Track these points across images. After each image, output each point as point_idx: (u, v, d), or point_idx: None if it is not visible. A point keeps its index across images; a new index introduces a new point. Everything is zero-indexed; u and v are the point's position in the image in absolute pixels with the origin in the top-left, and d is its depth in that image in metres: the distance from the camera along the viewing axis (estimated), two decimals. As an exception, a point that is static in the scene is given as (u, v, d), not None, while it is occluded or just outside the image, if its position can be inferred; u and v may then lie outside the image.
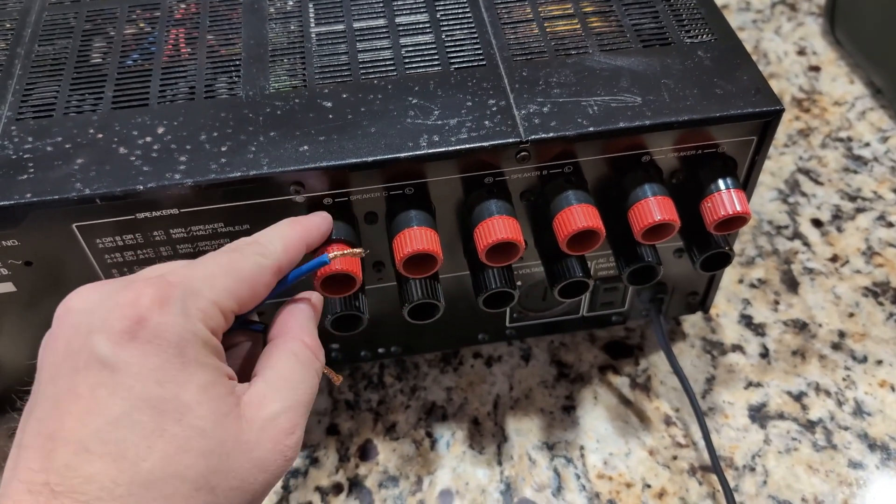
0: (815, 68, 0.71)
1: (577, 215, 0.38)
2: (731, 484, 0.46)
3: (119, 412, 0.24)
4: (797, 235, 0.58)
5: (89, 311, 0.27)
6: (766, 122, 0.39)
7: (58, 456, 0.24)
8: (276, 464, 0.27)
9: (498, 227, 0.38)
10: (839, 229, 0.59)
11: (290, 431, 0.28)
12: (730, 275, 0.56)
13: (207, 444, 0.25)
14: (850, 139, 0.65)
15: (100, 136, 0.38)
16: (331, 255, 0.34)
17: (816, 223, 0.59)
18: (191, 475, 0.25)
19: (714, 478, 0.46)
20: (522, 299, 0.48)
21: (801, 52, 0.72)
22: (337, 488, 0.46)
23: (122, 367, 0.25)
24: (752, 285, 0.56)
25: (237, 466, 0.26)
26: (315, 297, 0.34)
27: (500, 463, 0.47)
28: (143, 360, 0.25)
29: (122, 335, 0.25)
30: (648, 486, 0.46)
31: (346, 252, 0.35)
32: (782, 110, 0.39)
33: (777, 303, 0.55)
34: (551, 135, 0.37)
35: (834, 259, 0.57)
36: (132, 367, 0.25)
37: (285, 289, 0.33)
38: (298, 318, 0.32)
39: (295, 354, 0.30)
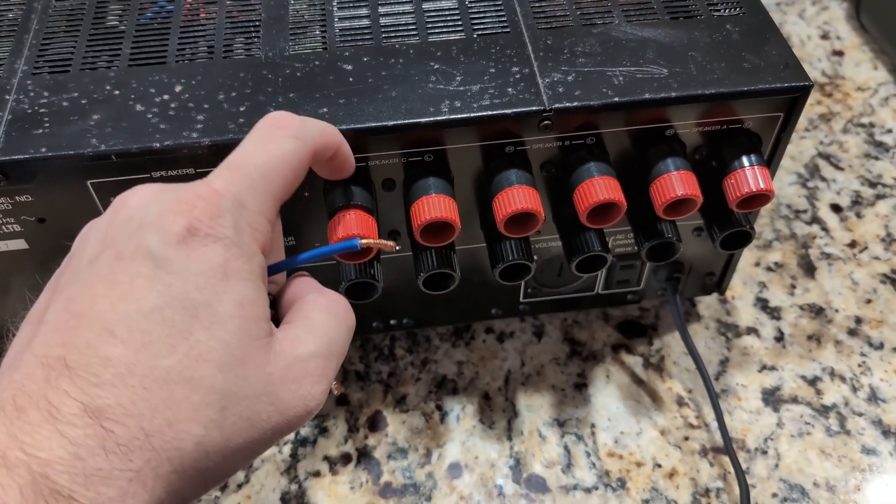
0: (839, 53, 0.70)
1: (599, 187, 0.38)
2: (743, 466, 0.45)
3: (152, 305, 0.24)
4: (815, 220, 0.58)
5: (144, 206, 0.26)
6: (793, 98, 0.38)
7: (80, 333, 0.23)
8: (294, 409, 0.26)
9: (518, 196, 0.37)
10: (858, 215, 0.58)
11: (318, 380, 0.27)
12: (746, 258, 0.55)
13: (229, 361, 0.24)
14: (872, 125, 0.64)
15: (116, 92, 0.38)
16: (363, 241, 0.32)
17: (836, 208, 0.58)
18: (204, 386, 0.24)
19: (725, 459, 0.46)
20: (537, 274, 0.48)
21: (825, 37, 0.71)
22: (345, 458, 0.46)
23: (165, 264, 0.25)
24: (769, 269, 0.55)
25: (252, 395, 0.25)
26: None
27: (510, 438, 0.47)
28: (188, 264, 0.25)
29: (173, 236, 0.25)
30: (659, 466, 0.46)
31: (378, 241, 0.32)
32: (811, 86, 0.38)
33: (793, 287, 0.54)
34: (575, 104, 0.37)
35: (852, 245, 0.56)
36: (175, 266, 0.25)
37: (311, 262, 0.32)
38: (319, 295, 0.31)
39: (327, 307, 0.29)
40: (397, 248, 0.32)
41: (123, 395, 0.23)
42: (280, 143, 0.29)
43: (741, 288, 0.54)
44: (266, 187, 0.28)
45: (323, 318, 0.28)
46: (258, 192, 0.27)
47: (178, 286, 0.24)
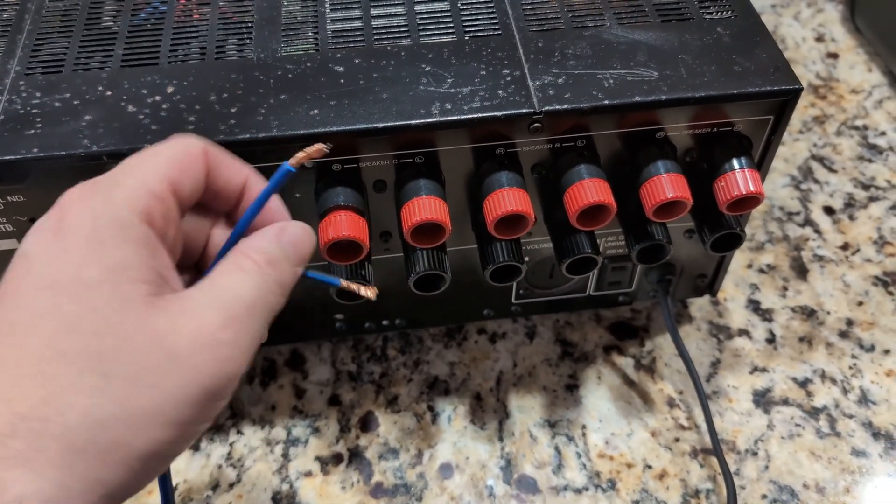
0: (834, 55, 0.70)
1: (589, 189, 0.38)
2: (733, 468, 0.46)
3: (22, 295, 0.24)
4: (808, 222, 0.58)
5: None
6: (783, 101, 0.39)
7: None
8: (202, 364, 0.25)
9: (508, 198, 0.37)
10: (851, 217, 0.58)
11: (221, 326, 0.25)
12: (738, 260, 0.56)
13: (103, 326, 0.24)
14: (865, 127, 0.64)
15: (108, 93, 0.38)
16: (290, 161, 0.30)
17: (828, 210, 0.59)
18: (79, 356, 0.23)
19: (715, 461, 0.46)
20: (529, 275, 0.48)
21: (820, 39, 0.71)
22: (337, 458, 0.46)
23: (32, 256, 0.25)
24: (761, 270, 0.55)
25: (139, 354, 0.24)
26: (294, 226, 0.31)
27: (501, 439, 0.47)
28: (51, 247, 0.25)
29: (45, 232, 0.26)
30: (649, 467, 0.46)
31: (303, 154, 0.30)
32: (801, 89, 0.38)
33: (785, 289, 0.54)
34: (565, 106, 0.37)
35: (845, 247, 0.56)
36: (40, 255, 0.25)
37: (257, 210, 0.30)
38: (256, 238, 0.29)
39: (238, 265, 0.28)
40: (327, 149, 0.30)
41: None
42: (169, 141, 0.29)
43: (733, 290, 0.54)
44: (150, 166, 0.27)
45: (228, 276, 0.27)
46: (139, 169, 0.27)
47: (41, 270, 0.25)
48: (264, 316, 0.28)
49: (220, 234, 0.31)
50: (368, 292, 0.32)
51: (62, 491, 0.22)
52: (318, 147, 0.30)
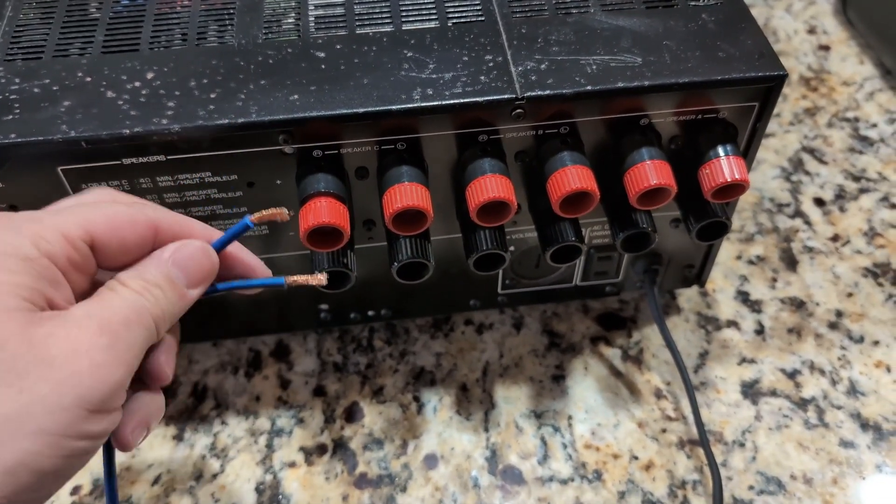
0: (825, 47, 0.70)
1: (572, 176, 0.37)
2: (720, 459, 0.45)
3: None
4: (798, 214, 0.57)
5: None
6: (768, 87, 0.38)
7: None
8: (78, 371, 0.25)
9: (490, 185, 0.37)
10: (841, 209, 0.58)
11: (97, 332, 0.26)
12: (728, 251, 0.55)
13: None
14: (857, 119, 0.64)
15: (88, 79, 0.37)
16: (252, 217, 0.32)
17: (819, 202, 0.58)
18: None
19: (702, 452, 0.45)
20: (515, 265, 0.48)
21: (812, 31, 0.71)
22: (321, 449, 0.46)
23: None
24: (751, 262, 0.55)
25: (9, 358, 0.24)
26: (188, 245, 0.31)
27: (486, 430, 0.47)
28: None
29: None
30: (636, 458, 0.46)
31: (265, 213, 0.32)
32: (785, 76, 0.38)
33: (775, 280, 0.54)
34: (547, 92, 0.37)
35: (835, 238, 0.56)
36: None
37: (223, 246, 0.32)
38: (140, 265, 0.30)
39: (110, 287, 0.29)
40: (289, 215, 0.32)
41: None
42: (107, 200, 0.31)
43: (722, 281, 0.54)
44: (77, 215, 0.29)
45: (103, 295, 0.28)
46: (65, 214, 0.28)
47: None
48: (142, 331, 0.28)
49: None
50: (319, 279, 0.32)
51: None
52: (281, 213, 0.32)
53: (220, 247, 0.32)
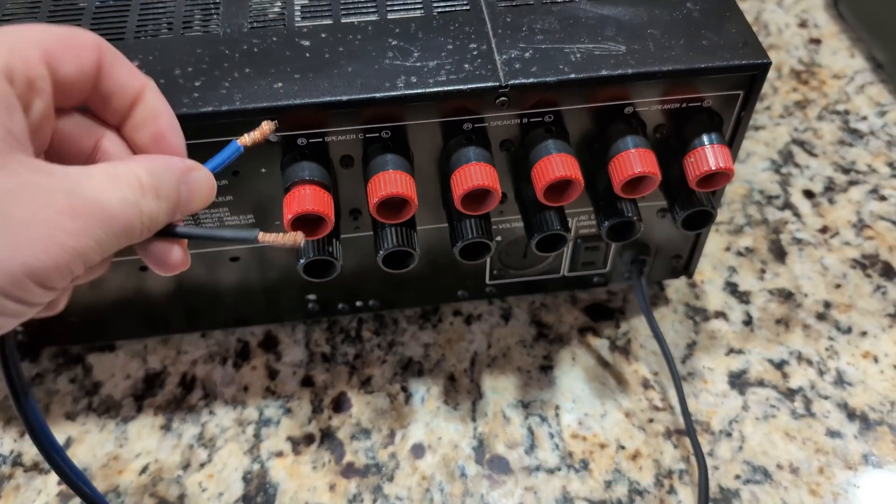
0: (816, 41, 0.70)
1: (556, 164, 0.37)
2: (707, 448, 0.45)
3: None
4: (788, 206, 0.58)
5: None
6: (752, 76, 0.38)
7: None
8: (34, 241, 0.24)
9: (474, 173, 0.37)
10: (831, 201, 0.58)
11: (69, 214, 0.25)
12: (717, 242, 0.55)
13: None
14: (847, 112, 0.64)
15: (73, 67, 0.37)
16: (241, 139, 0.32)
17: (808, 194, 0.58)
18: None
19: (689, 441, 0.45)
20: (503, 255, 0.48)
21: (803, 25, 0.71)
22: (309, 438, 0.46)
23: None
24: (739, 253, 0.55)
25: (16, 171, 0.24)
26: (202, 174, 0.31)
27: (473, 419, 0.47)
28: None
29: None
30: (623, 448, 0.46)
31: (255, 134, 0.32)
32: (769, 64, 0.38)
33: (763, 271, 0.54)
34: (531, 80, 0.37)
35: (824, 230, 0.56)
36: None
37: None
38: (157, 161, 0.29)
39: (118, 174, 0.27)
40: (274, 127, 0.32)
41: None
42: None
43: (711, 272, 0.54)
44: (28, 32, 0.27)
45: (98, 177, 0.27)
46: (15, 31, 0.26)
47: None
48: (118, 234, 0.27)
49: (109, 146, 0.30)
50: (295, 238, 0.31)
51: None
52: (270, 127, 0.32)
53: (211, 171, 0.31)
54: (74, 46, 0.27)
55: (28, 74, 0.25)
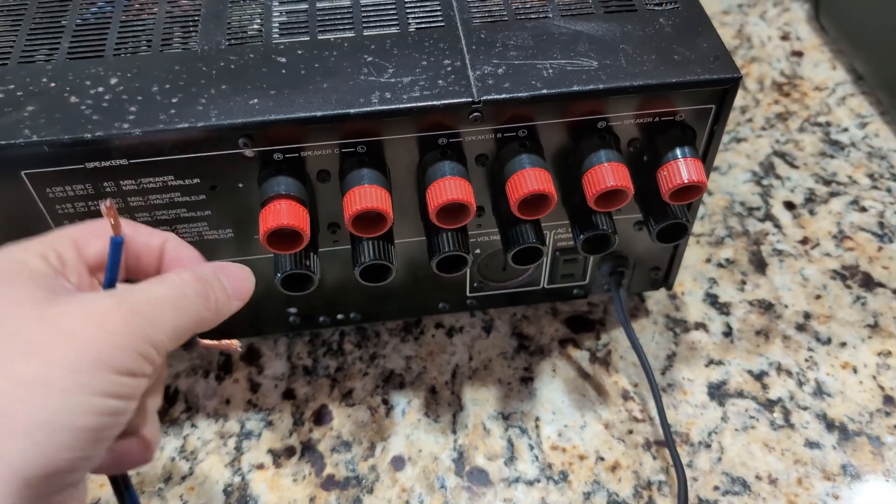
0: (798, 53, 0.70)
1: (529, 178, 0.38)
2: (686, 459, 0.46)
3: None
4: (769, 217, 0.58)
5: None
6: (724, 90, 0.39)
7: None
8: (92, 336, 0.26)
9: (449, 188, 0.38)
10: (811, 212, 0.58)
11: (113, 306, 0.27)
12: (697, 254, 0.56)
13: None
14: (828, 124, 0.64)
15: (52, 85, 0.38)
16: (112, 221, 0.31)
17: (789, 206, 0.59)
18: None
19: (668, 453, 0.46)
20: (482, 268, 0.48)
21: (785, 37, 0.72)
22: (289, 451, 0.46)
23: None
24: (720, 265, 0.55)
25: (25, 332, 0.26)
26: (233, 266, 0.34)
27: (454, 431, 0.47)
28: None
29: None
30: (602, 459, 0.46)
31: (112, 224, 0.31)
32: (740, 78, 0.38)
33: (744, 283, 0.54)
34: (504, 96, 0.37)
35: (804, 241, 0.56)
36: None
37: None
38: (195, 265, 0.32)
39: (160, 277, 0.30)
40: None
41: None
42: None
43: (691, 284, 0.54)
44: (56, 232, 0.31)
45: (140, 284, 0.30)
46: (47, 235, 0.31)
47: None
48: (175, 317, 0.29)
49: None
50: (230, 345, 0.34)
51: None
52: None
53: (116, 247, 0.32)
54: (95, 230, 0.31)
55: (60, 257, 0.29)
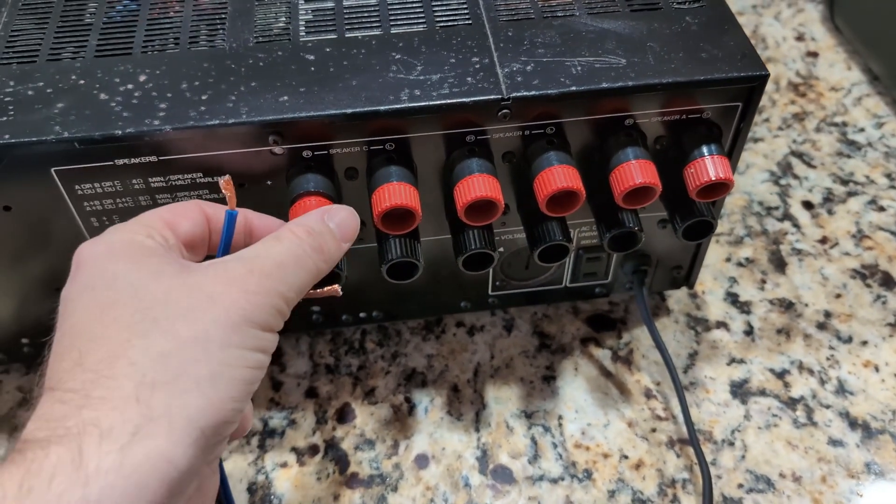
0: (814, 54, 0.70)
1: (558, 175, 0.38)
2: (710, 457, 0.46)
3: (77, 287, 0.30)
4: (787, 217, 0.58)
5: None
6: (751, 87, 0.39)
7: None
8: (236, 298, 0.28)
9: (477, 184, 0.38)
10: (830, 212, 0.58)
11: (246, 273, 0.29)
12: (717, 253, 0.56)
13: (142, 290, 0.28)
14: (845, 124, 0.64)
15: (81, 82, 0.38)
16: (230, 206, 0.33)
17: (807, 205, 0.59)
18: (128, 315, 0.27)
19: (692, 451, 0.46)
20: (505, 267, 0.48)
21: (800, 38, 0.72)
22: (313, 449, 0.46)
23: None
24: (740, 264, 0.55)
25: (177, 299, 0.28)
26: (338, 208, 0.35)
27: (477, 430, 0.47)
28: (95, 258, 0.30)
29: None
30: (626, 457, 0.46)
31: (228, 197, 0.33)
32: (767, 75, 0.38)
33: (764, 282, 0.54)
34: (533, 93, 0.37)
35: (823, 241, 0.57)
36: (86, 263, 0.30)
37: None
38: (301, 216, 0.34)
39: (276, 236, 0.32)
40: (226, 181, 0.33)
41: None
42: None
43: (711, 283, 0.54)
44: (147, 213, 0.33)
45: (258, 245, 0.32)
46: (149, 213, 0.33)
47: (86, 274, 0.30)
48: (297, 274, 0.31)
49: None
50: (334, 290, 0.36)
51: (145, 419, 0.25)
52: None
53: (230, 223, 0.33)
54: (182, 211, 0.33)
55: (162, 234, 0.31)
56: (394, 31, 0.41)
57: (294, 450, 0.46)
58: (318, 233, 0.33)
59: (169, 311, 0.28)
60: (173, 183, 0.39)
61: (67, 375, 0.27)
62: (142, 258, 0.29)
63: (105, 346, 0.27)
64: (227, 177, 0.33)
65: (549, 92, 0.37)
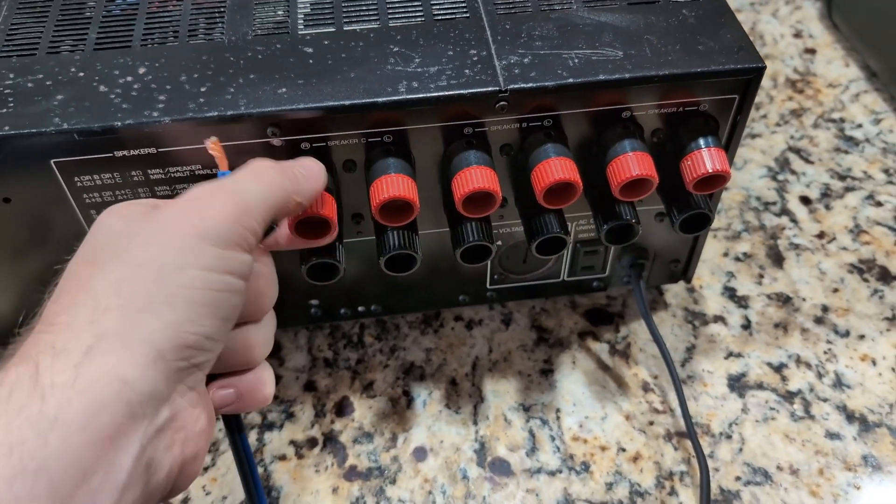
0: (811, 51, 0.71)
1: (555, 167, 0.38)
2: (707, 450, 0.46)
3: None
4: (785, 212, 0.58)
5: None
6: (747, 80, 0.39)
7: None
8: (183, 218, 0.29)
9: (475, 176, 0.38)
10: (827, 207, 0.58)
11: (205, 191, 0.30)
12: (715, 248, 0.56)
13: (109, 236, 0.29)
14: (842, 120, 0.64)
15: (81, 74, 0.38)
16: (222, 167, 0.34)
17: (805, 200, 0.59)
18: (94, 259, 0.29)
19: (689, 444, 0.46)
20: (503, 260, 0.48)
21: (798, 35, 0.72)
22: (311, 442, 0.46)
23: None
24: (738, 259, 0.55)
25: (135, 232, 0.29)
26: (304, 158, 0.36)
27: (475, 423, 0.47)
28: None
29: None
30: (623, 450, 0.46)
31: (218, 158, 0.34)
32: (764, 67, 0.38)
33: (761, 276, 0.54)
34: (530, 85, 0.37)
35: (821, 235, 0.57)
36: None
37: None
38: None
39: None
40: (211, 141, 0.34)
41: None
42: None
43: (709, 277, 0.54)
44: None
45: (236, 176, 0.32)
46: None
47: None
48: (257, 188, 0.31)
49: None
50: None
51: (97, 339, 0.26)
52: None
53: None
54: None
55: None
56: (392, 23, 0.41)
57: (293, 443, 0.46)
58: (281, 163, 0.33)
59: (130, 242, 0.28)
60: (172, 175, 0.39)
61: (41, 316, 0.28)
62: (123, 207, 0.31)
63: (74, 283, 0.28)
64: (214, 138, 0.33)
65: (546, 84, 0.37)
